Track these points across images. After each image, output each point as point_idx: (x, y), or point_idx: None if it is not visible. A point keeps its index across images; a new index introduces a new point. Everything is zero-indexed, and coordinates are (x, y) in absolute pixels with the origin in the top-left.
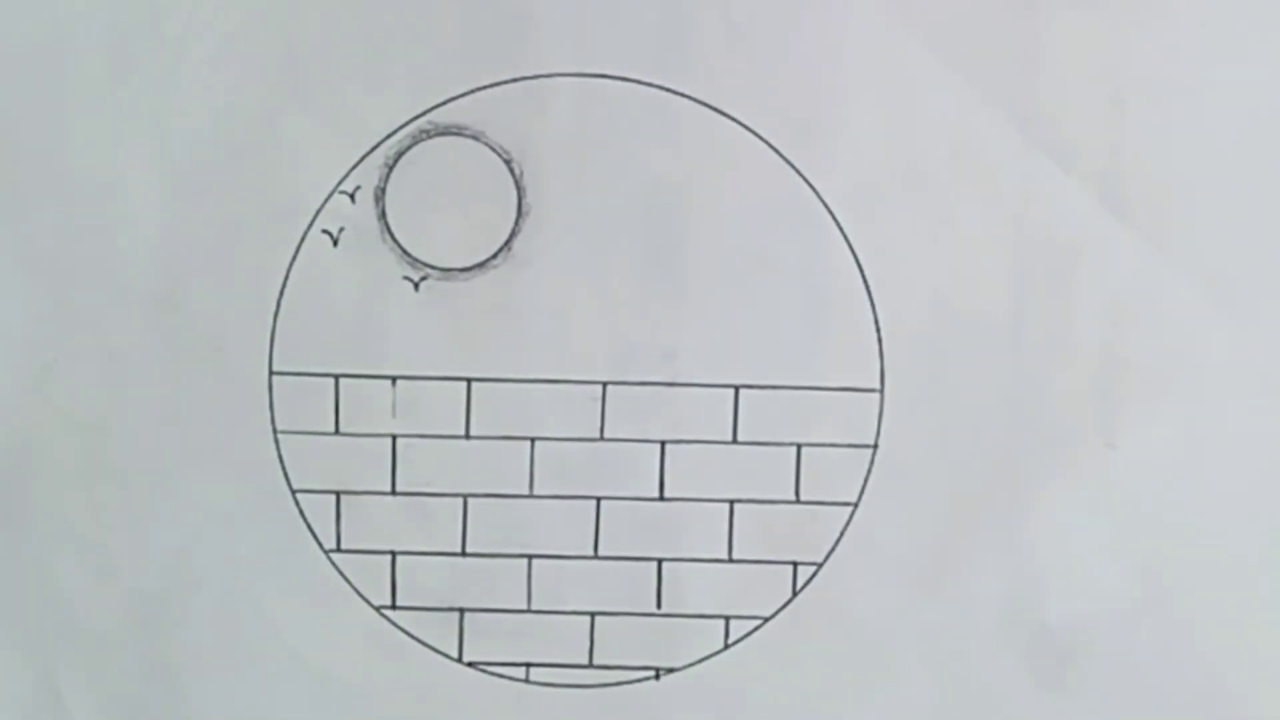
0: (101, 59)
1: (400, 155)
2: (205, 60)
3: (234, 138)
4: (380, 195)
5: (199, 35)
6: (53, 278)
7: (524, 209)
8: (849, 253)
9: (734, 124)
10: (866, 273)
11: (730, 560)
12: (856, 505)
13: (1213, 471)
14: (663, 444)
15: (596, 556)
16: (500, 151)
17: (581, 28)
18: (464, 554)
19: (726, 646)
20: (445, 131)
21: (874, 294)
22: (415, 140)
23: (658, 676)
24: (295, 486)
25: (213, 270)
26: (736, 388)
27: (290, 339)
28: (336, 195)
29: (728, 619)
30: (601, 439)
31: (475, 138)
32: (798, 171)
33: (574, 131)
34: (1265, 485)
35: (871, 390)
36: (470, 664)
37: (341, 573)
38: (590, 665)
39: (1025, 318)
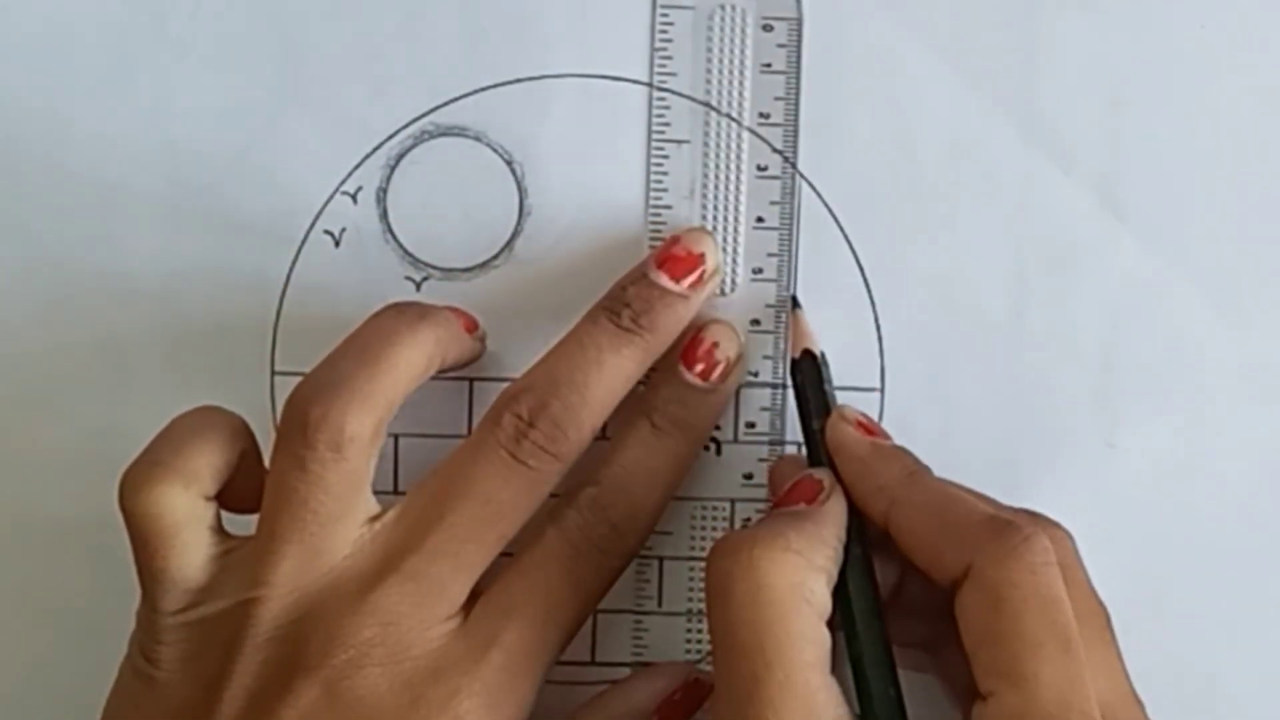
0: (101, 59)
1: (402, 156)
2: (206, 60)
3: (235, 138)
4: (382, 196)
5: (200, 36)
6: (53, 278)
7: (525, 209)
8: (849, 253)
9: (734, 124)
10: (866, 273)
11: None
12: None
13: (1212, 471)
14: None
15: None
16: (501, 152)
17: (581, 28)
18: None
19: None
20: (447, 132)
21: (874, 294)
22: (417, 141)
23: None
24: None
25: (214, 270)
26: (738, 388)
27: (292, 339)
28: (338, 196)
29: None
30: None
31: (476, 138)
32: (798, 171)
33: (574, 131)
34: (1264, 485)
35: (871, 390)
36: None
37: None
38: (592, 663)
39: (1025, 318)
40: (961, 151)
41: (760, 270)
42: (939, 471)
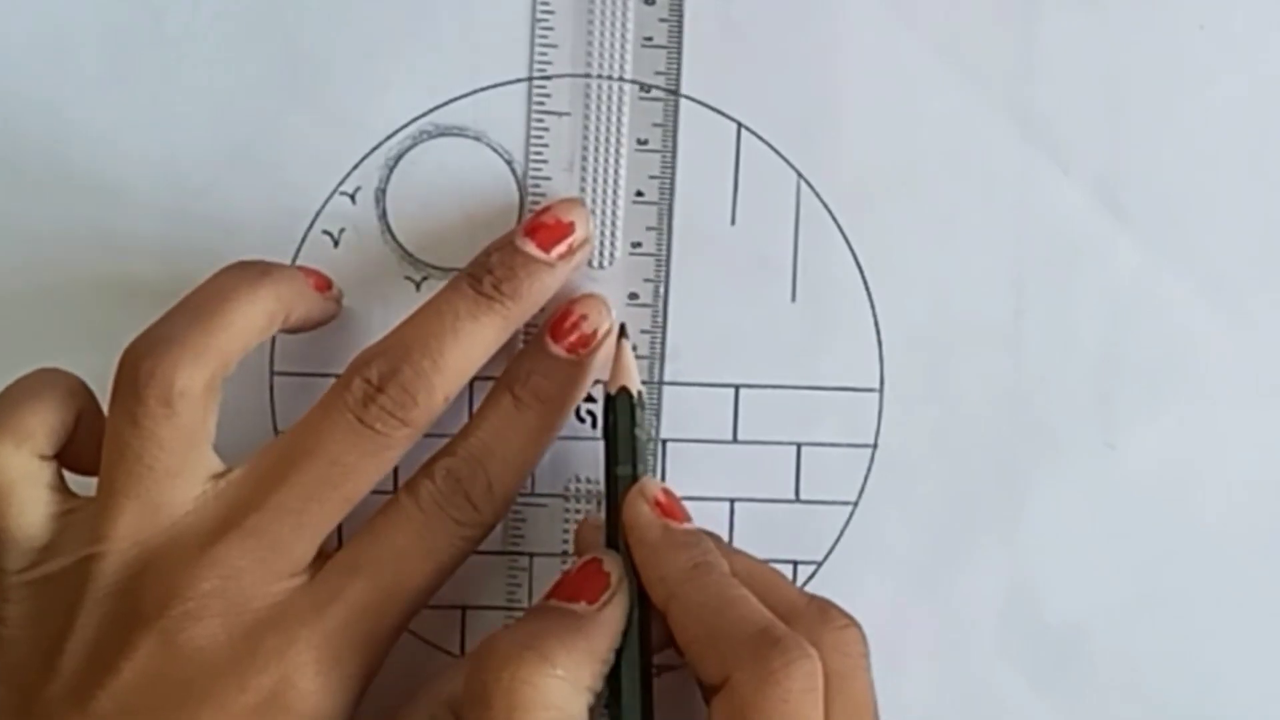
0: (101, 59)
1: (401, 156)
2: (205, 60)
3: (234, 138)
4: (381, 196)
5: (199, 35)
6: (53, 277)
7: (525, 209)
8: (849, 253)
9: (734, 124)
10: (866, 273)
11: None
12: (856, 505)
13: (1212, 472)
14: (664, 442)
15: None
16: (501, 152)
17: (582, 28)
18: None
19: None
20: (446, 132)
21: (874, 294)
22: (416, 141)
23: (659, 673)
24: None
25: (213, 270)
26: (737, 387)
27: (291, 340)
28: (337, 196)
29: None
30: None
31: (476, 138)
32: (798, 172)
33: (574, 132)
34: (1264, 485)
35: (871, 390)
36: None
37: None
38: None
39: (1025, 318)
40: (961, 151)
41: (639, 244)
42: (939, 471)
